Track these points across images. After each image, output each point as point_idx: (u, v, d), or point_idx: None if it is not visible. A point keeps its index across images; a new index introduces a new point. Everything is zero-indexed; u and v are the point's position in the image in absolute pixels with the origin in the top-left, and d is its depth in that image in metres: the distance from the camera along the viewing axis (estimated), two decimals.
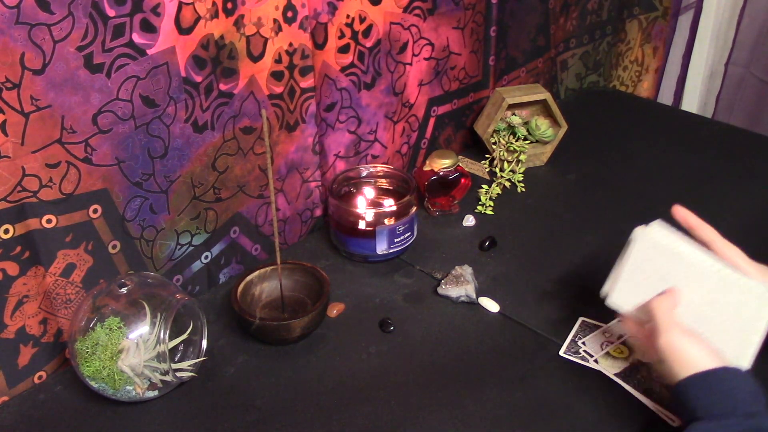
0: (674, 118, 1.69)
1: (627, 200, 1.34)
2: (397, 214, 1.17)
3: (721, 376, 0.79)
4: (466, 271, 1.12)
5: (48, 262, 0.92)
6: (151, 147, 0.97)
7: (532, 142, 1.43)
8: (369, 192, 1.24)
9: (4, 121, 0.81)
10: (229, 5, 0.97)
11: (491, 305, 1.09)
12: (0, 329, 0.91)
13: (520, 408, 0.93)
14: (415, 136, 1.38)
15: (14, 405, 0.94)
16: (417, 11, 1.24)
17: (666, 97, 2.00)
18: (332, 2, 1.10)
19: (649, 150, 1.51)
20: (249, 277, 1.06)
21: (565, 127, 1.44)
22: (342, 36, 1.15)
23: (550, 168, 1.46)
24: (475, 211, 1.31)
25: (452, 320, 1.07)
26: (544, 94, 1.41)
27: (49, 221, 0.90)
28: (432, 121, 1.40)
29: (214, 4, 0.95)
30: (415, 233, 1.21)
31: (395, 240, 1.17)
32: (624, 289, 0.91)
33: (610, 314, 0.96)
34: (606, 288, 0.94)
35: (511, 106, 1.42)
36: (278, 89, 1.09)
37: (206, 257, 1.11)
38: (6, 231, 0.87)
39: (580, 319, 1.05)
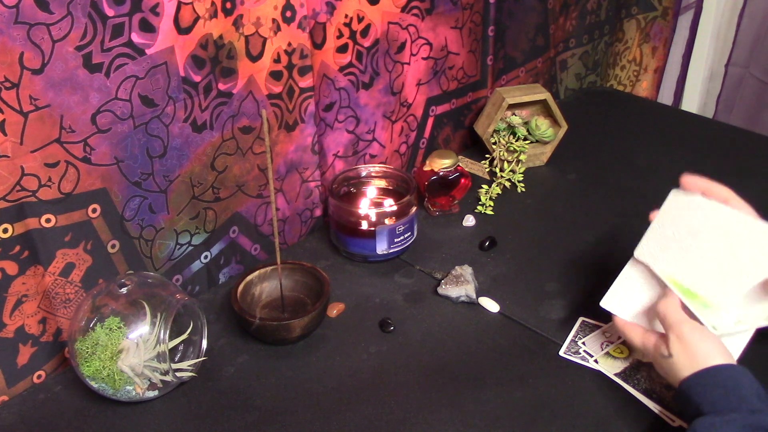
0: (674, 118, 1.69)
1: (627, 200, 1.34)
2: (397, 214, 1.16)
3: (729, 372, 0.80)
4: (466, 271, 1.12)
5: (47, 262, 0.92)
6: (150, 146, 0.97)
7: (532, 142, 1.43)
8: (369, 192, 1.24)
9: (3, 121, 0.81)
10: (228, 5, 0.97)
11: (491, 305, 1.09)
12: None
13: (520, 408, 0.92)
14: (413, 136, 1.38)
15: (14, 405, 0.94)
16: (415, 11, 1.24)
17: (666, 97, 2.00)
18: (331, 2, 1.10)
19: (649, 150, 1.51)
20: (249, 277, 1.06)
21: (565, 127, 1.44)
22: (340, 36, 1.15)
23: (550, 168, 1.45)
24: (475, 211, 1.31)
25: (452, 320, 1.07)
26: (544, 94, 1.41)
27: (48, 220, 0.89)
28: (430, 120, 1.40)
29: (213, 3, 0.95)
30: (415, 233, 1.21)
31: (395, 240, 1.17)
32: (650, 245, 0.93)
33: (610, 314, 0.96)
34: (606, 299, 0.96)
35: (511, 106, 1.42)
36: (277, 89, 1.09)
37: (206, 257, 1.11)
38: (5, 230, 0.87)
39: (580, 319, 1.05)
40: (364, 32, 1.18)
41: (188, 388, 0.96)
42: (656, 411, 0.91)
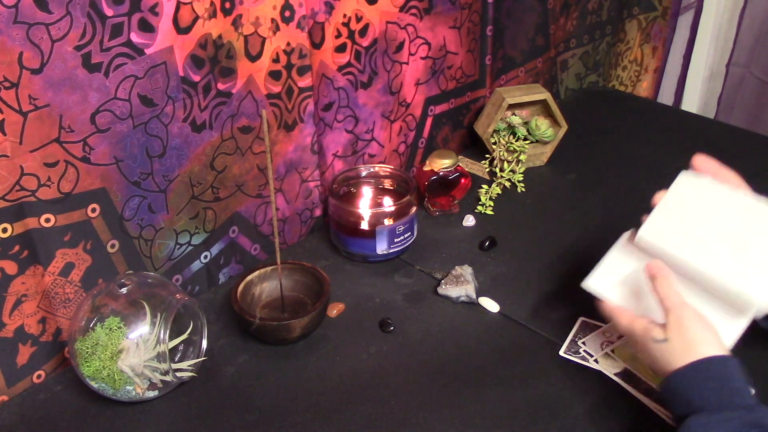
0: (674, 118, 1.69)
1: (627, 200, 1.33)
2: (397, 214, 1.16)
3: (723, 363, 0.78)
4: (466, 271, 1.12)
5: (47, 261, 0.91)
6: (149, 146, 0.97)
7: (532, 142, 1.43)
8: (369, 192, 1.24)
9: (3, 121, 0.81)
10: (227, 5, 0.97)
11: (491, 305, 1.09)
12: None
13: (520, 408, 0.92)
14: (412, 136, 1.38)
15: (14, 404, 0.94)
16: (413, 11, 1.24)
17: (666, 97, 2.00)
18: (329, 2, 1.10)
19: (649, 150, 1.51)
20: (249, 277, 1.06)
21: (565, 127, 1.44)
22: (339, 35, 1.15)
23: (550, 168, 1.45)
24: (475, 211, 1.31)
25: (452, 320, 1.07)
26: (544, 94, 1.41)
27: (47, 220, 0.89)
28: (429, 120, 1.40)
29: (212, 3, 0.95)
30: (415, 233, 1.21)
31: (395, 240, 1.16)
32: (656, 226, 0.91)
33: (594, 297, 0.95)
34: (589, 280, 0.94)
35: (511, 106, 1.42)
36: (276, 89, 1.09)
37: (205, 257, 1.11)
38: (4, 230, 0.87)
39: (580, 319, 1.05)
40: (363, 32, 1.18)
41: (188, 388, 0.96)
42: (656, 411, 0.91)
